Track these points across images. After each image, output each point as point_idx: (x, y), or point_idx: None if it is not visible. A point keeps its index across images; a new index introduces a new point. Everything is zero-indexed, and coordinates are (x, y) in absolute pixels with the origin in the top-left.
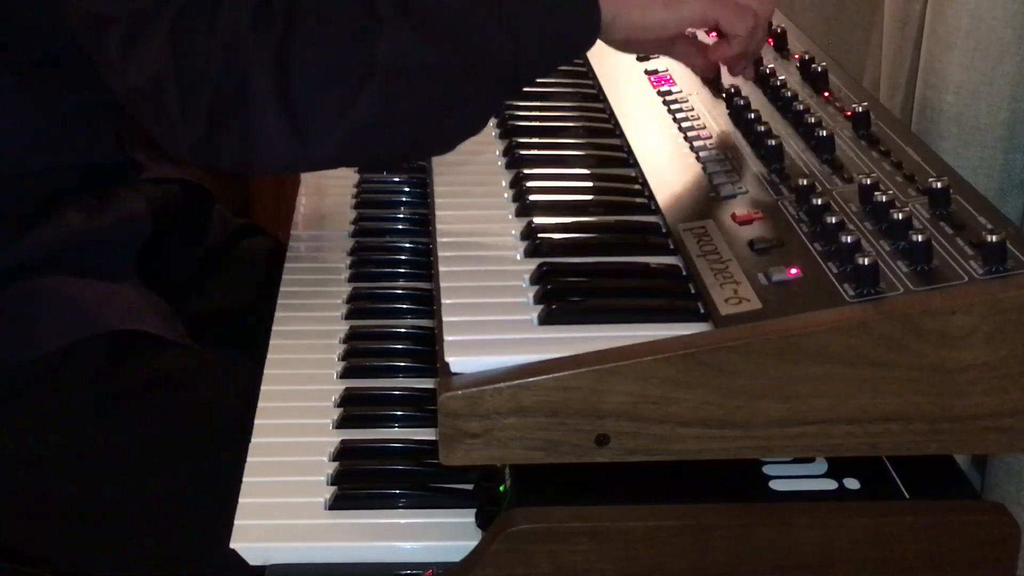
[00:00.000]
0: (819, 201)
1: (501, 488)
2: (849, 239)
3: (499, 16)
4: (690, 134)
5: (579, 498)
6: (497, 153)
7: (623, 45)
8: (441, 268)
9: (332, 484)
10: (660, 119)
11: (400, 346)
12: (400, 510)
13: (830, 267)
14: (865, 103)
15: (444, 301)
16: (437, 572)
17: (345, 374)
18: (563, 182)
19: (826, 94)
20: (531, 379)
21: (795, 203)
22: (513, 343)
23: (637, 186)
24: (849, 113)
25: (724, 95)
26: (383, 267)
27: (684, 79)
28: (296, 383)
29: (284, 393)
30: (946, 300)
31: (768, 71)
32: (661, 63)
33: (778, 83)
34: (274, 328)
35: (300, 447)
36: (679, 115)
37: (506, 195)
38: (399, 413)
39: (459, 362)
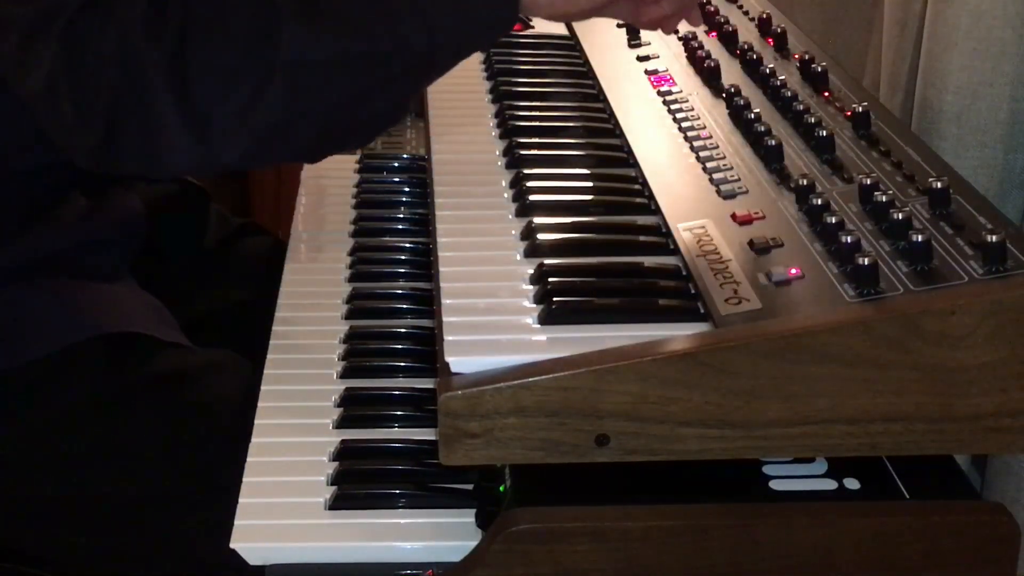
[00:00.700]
0: (819, 201)
1: (501, 488)
2: (849, 239)
3: (411, 6)
4: (690, 134)
5: (579, 498)
6: (497, 153)
7: (552, 18)
8: (441, 268)
9: (332, 484)
10: (660, 119)
11: (400, 346)
12: (400, 510)
13: (830, 267)
14: (865, 103)
15: (444, 301)
16: (437, 572)
17: (345, 374)
18: (563, 182)
19: (826, 94)
20: (531, 379)
21: (795, 203)
22: (513, 343)
23: (637, 186)
24: (849, 113)
25: (724, 95)
26: (383, 267)
27: (684, 79)
28: (296, 383)
29: (284, 393)
30: (946, 300)
31: (768, 71)
32: (661, 63)
33: (778, 83)
34: (274, 328)
35: (300, 447)
36: (679, 115)
37: (506, 195)
38: (399, 413)
39: (459, 362)
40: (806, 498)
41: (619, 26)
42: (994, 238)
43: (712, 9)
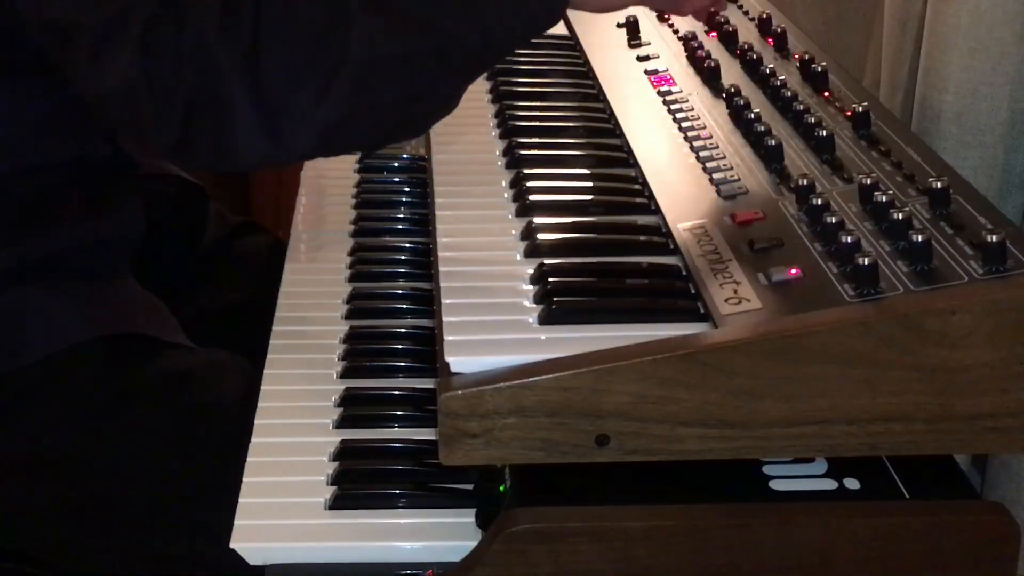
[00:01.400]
0: (819, 201)
1: (501, 488)
2: (849, 239)
3: (468, 4)
4: (690, 134)
5: (579, 498)
6: (497, 153)
7: (597, 9)
8: (441, 268)
9: (332, 484)
10: (660, 119)
11: (400, 346)
12: (400, 510)
13: (830, 267)
14: (865, 103)
15: (444, 301)
16: (437, 572)
17: (345, 374)
18: (563, 182)
19: (826, 94)
20: (531, 379)
21: (795, 203)
22: (513, 343)
23: (637, 186)
24: (849, 113)
25: (724, 95)
26: (383, 267)
27: (684, 79)
28: (296, 383)
29: (284, 393)
30: (946, 300)
31: (768, 71)
32: (661, 63)
33: (778, 83)
34: (274, 328)
35: (300, 447)
36: (679, 115)
37: (506, 195)
38: (399, 413)
39: (459, 362)
40: (806, 498)
41: (619, 26)
42: (994, 238)
43: (712, 9)
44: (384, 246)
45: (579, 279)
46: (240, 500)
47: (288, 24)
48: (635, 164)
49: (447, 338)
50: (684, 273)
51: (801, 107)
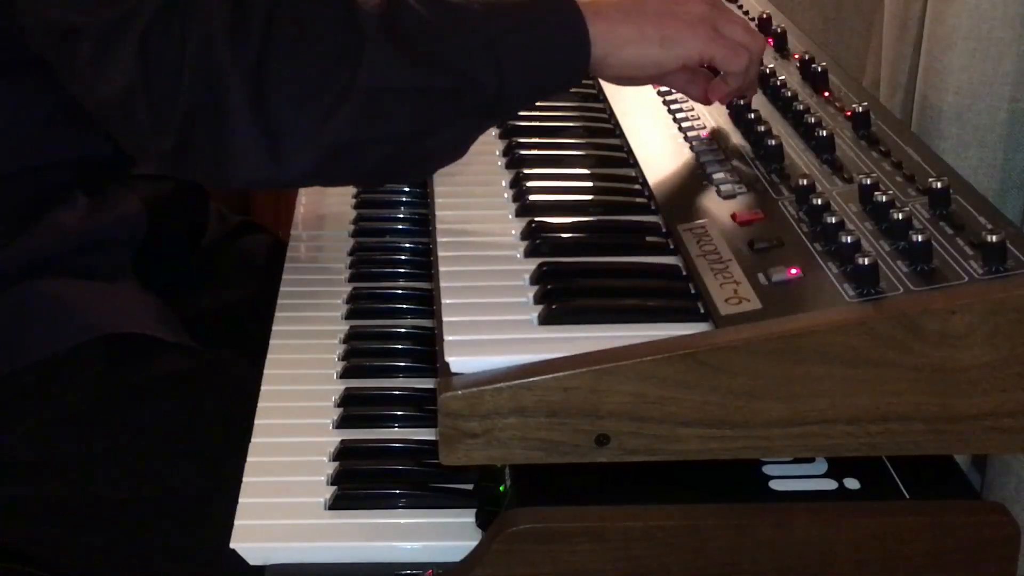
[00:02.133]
0: (819, 201)
1: (501, 488)
2: (849, 239)
3: (485, 44)
4: (690, 134)
5: (579, 498)
6: (497, 153)
7: (615, 80)
8: (441, 268)
9: (332, 484)
10: (660, 119)
11: (400, 346)
12: (400, 510)
13: (830, 267)
14: (865, 103)
15: (444, 301)
16: (437, 572)
17: (345, 374)
18: (563, 182)
19: (826, 94)
20: (531, 379)
21: (795, 203)
22: (513, 343)
23: (637, 186)
24: (849, 113)
25: None
26: (383, 267)
27: None
28: (296, 383)
29: (284, 393)
30: (946, 300)
31: (768, 71)
32: None
33: (778, 83)
34: (274, 328)
35: (300, 447)
36: (679, 115)
37: (506, 195)
38: (399, 413)
39: (459, 362)
40: (806, 498)
41: None
42: (994, 238)
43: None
44: (384, 246)
45: (579, 279)
46: (240, 500)
47: (300, 41)
48: (635, 164)
49: (447, 338)
50: (684, 273)
51: (801, 107)
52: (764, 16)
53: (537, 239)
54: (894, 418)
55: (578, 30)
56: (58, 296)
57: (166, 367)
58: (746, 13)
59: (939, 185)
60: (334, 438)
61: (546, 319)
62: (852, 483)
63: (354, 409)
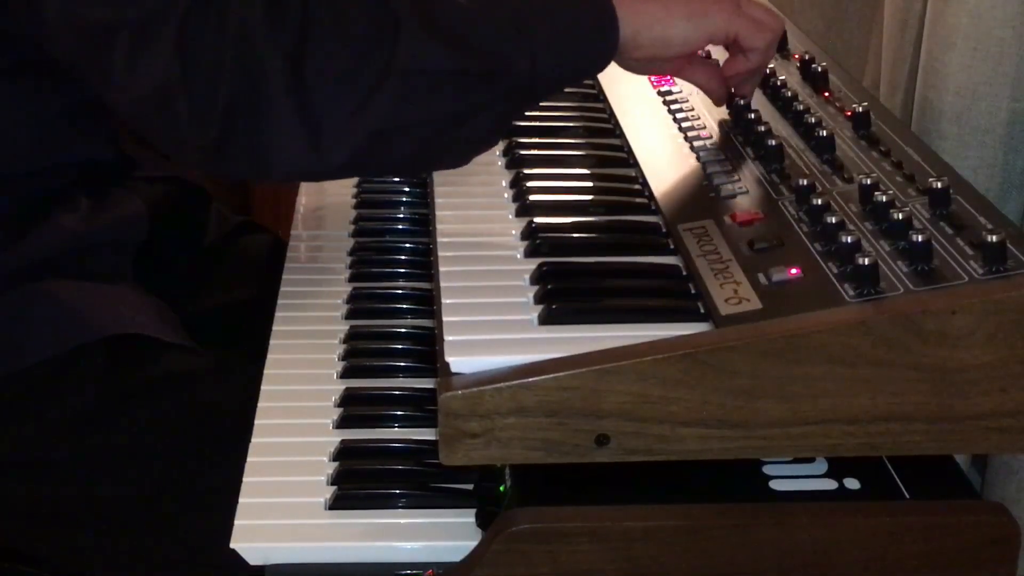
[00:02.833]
0: (819, 201)
1: (501, 488)
2: (849, 239)
3: (518, 27)
4: (690, 134)
5: (579, 498)
6: (497, 153)
7: (644, 65)
8: (441, 268)
9: (332, 484)
10: (660, 119)
11: (400, 346)
12: (400, 510)
13: (830, 267)
14: (865, 103)
15: (444, 301)
16: (437, 572)
17: (345, 374)
18: (563, 182)
19: (826, 94)
20: (531, 379)
21: (795, 203)
22: (513, 343)
23: (637, 186)
24: (849, 113)
25: None
26: (383, 267)
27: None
28: (296, 383)
29: (284, 393)
30: (946, 300)
31: (768, 71)
32: None
33: (778, 83)
34: (274, 328)
35: (300, 447)
36: (679, 115)
37: (506, 195)
38: (399, 413)
39: (459, 362)
40: (806, 498)
41: None
42: (994, 238)
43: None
44: (384, 246)
45: (579, 279)
46: (240, 500)
47: (336, 27)
48: (635, 164)
49: (447, 338)
50: (684, 273)
51: (801, 107)
52: None
53: (537, 239)
54: (894, 418)
55: (607, 10)
56: (60, 297)
57: (167, 368)
58: None
59: (939, 185)
60: (334, 438)
61: (546, 319)
62: (852, 483)
63: (354, 409)
